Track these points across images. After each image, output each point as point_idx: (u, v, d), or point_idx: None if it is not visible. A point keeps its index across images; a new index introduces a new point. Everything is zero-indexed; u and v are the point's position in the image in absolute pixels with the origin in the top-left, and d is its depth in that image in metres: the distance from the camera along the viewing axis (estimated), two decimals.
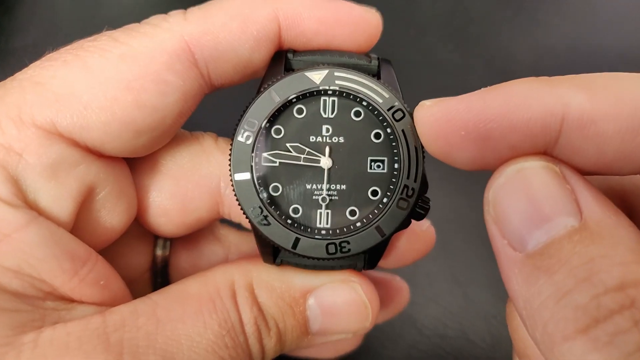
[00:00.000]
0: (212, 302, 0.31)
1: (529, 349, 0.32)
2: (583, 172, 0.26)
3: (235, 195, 0.32)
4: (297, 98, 0.32)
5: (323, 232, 0.32)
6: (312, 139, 0.33)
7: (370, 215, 0.32)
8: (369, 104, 0.32)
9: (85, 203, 0.33)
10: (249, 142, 0.32)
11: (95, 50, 0.32)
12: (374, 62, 0.34)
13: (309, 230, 0.32)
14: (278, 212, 0.32)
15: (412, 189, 0.32)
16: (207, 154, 0.36)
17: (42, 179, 0.31)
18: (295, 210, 0.33)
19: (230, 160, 0.32)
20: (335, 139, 0.33)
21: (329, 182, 0.32)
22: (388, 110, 0.32)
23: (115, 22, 0.34)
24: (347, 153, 0.33)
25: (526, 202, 0.25)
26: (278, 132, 0.33)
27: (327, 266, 0.34)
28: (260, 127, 0.32)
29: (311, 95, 0.32)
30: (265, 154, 0.32)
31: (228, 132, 0.34)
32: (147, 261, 0.40)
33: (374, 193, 0.33)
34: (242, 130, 0.32)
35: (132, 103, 0.31)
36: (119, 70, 0.31)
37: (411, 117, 0.31)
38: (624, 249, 0.23)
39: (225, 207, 0.37)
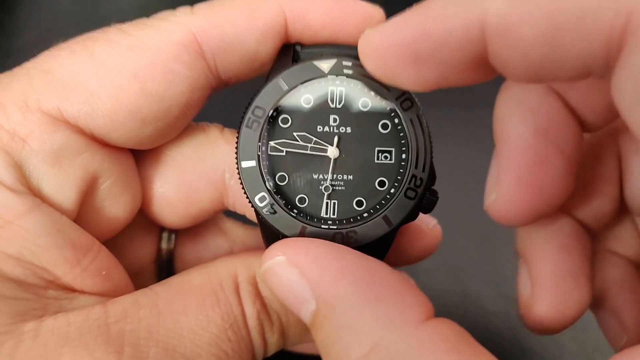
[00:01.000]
0: (215, 295, 0.31)
1: None
2: (520, 81, 0.26)
3: (241, 183, 0.32)
4: (305, 87, 0.32)
5: (329, 222, 0.32)
6: (320, 128, 0.33)
7: (378, 206, 0.32)
8: (377, 94, 0.32)
9: (89, 192, 0.33)
10: (256, 130, 0.32)
11: (103, 41, 0.32)
12: None
13: (315, 220, 0.32)
14: (284, 202, 0.32)
15: (420, 178, 0.32)
16: (212, 144, 0.36)
17: (46, 165, 0.31)
18: (302, 200, 0.33)
19: (237, 147, 0.32)
20: (342, 129, 0.33)
21: (334, 172, 0.32)
22: (396, 99, 0.32)
23: (116, 20, 0.35)
24: (355, 143, 0.33)
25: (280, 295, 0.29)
26: (285, 121, 0.33)
27: None
28: (268, 116, 0.32)
29: (319, 84, 0.32)
30: (272, 143, 0.32)
31: (233, 124, 0.34)
32: (152, 253, 0.39)
33: (381, 184, 0.33)
34: (249, 118, 0.32)
35: (139, 91, 0.31)
36: (126, 60, 0.31)
37: (419, 107, 0.32)
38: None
39: (230, 199, 0.36)
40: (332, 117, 0.33)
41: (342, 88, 0.33)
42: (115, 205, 0.34)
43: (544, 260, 0.33)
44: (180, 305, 0.30)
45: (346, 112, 0.33)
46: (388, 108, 0.32)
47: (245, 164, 0.32)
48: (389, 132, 0.33)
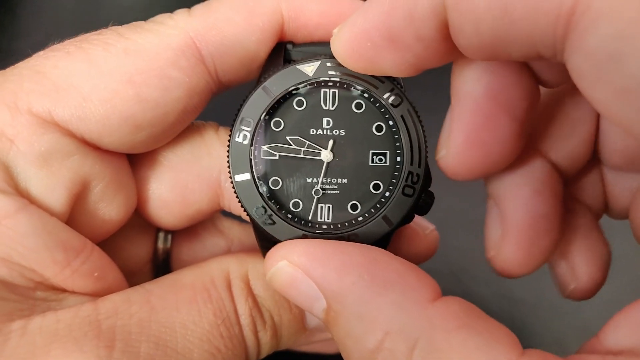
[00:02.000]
0: (207, 292, 0.31)
1: None
2: (476, 57, 0.27)
3: (237, 197, 0.32)
4: (296, 90, 0.32)
5: (324, 226, 0.32)
6: (313, 131, 0.32)
7: (373, 209, 0.32)
8: (370, 96, 0.32)
9: (81, 194, 0.33)
10: (246, 141, 0.32)
11: (99, 44, 0.32)
12: None
13: (309, 225, 0.32)
14: (278, 207, 0.32)
15: (417, 174, 0.32)
16: (207, 145, 0.36)
17: (34, 167, 0.30)
18: (296, 205, 0.32)
19: (228, 161, 0.32)
20: (336, 132, 0.32)
21: (326, 175, 0.32)
22: (386, 97, 0.32)
23: (117, 22, 0.35)
24: (349, 146, 0.32)
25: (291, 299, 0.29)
26: (278, 124, 0.32)
27: None
28: (257, 125, 0.32)
29: (311, 86, 0.32)
30: (264, 147, 0.32)
31: (229, 122, 0.33)
32: (149, 253, 0.39)
33: (376, 187, 0.32)
34: (238, 130, 0.32)
35: (133, 97, 0.31)
36: (122, 64, 0.31)
37: (409, 102, 0.31)
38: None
39: (225, 200, 0.36)
40: (325, 119, 0.32)
41: (335, 90, 0.32)
42: (109, 207, 0.34)
43: (517, 203, 0.33)
44: (173, 301, 0.30)
45: (339, 115, 0.32)
46: (382, 110, 0.32)
47: (239, 177, 0.32)
48: (383, 134, 0.32)
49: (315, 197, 0.32)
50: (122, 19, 0.35)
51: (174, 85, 0.32)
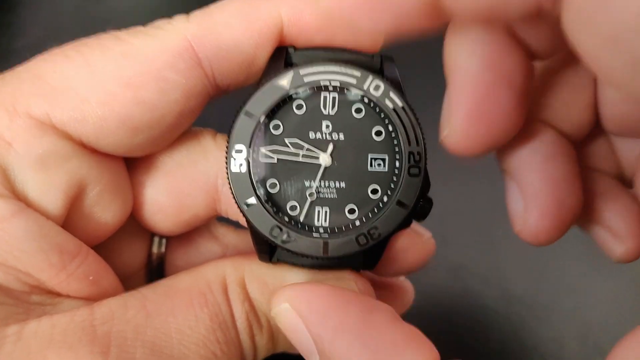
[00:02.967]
0: (203, 296, 0.31)
1: None
2: (469, 20, 0.26)
3: (248, 223, 0.32)
4: (296, 94, 0.32)
5: (321, 230, 0.32)
6: (312, 135, 0.32)
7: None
8: (370, 101, 0.32)
9: (78, 198, 0.33)
10: (244, 169, 0.32)
11: (97, 47, 0.32)
12: (376, 58, 0.33)
13: (306, 228, 0.32)
14: (275, 209, 0.32)
15: (418, 152, 0.31)
16: (204, 150, 0.36)
17: (31, 170, 0.30)
18: (293, 208, 0.32)
19: (232, 192, 0.32)
20: (335, 136, 0.32)
21: (324, 178, 0.32)
22: (365, 87, 0.31)
23: (118, 22, 0.35)
24: (347, 150, 0.32)
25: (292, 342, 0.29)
26: (277, 127, 0.32)
27: (324, 265, 0.33)
28: (249, 152, 0.32)
29: (311, 90, 0.32)
30: (263, 150, 0.32)
31: (226, 129, 0.33)
32: (143, 258, 0.39)
33: (374, 192, 0.32)
34: (233, 160, 0.32)
35: (131, 99, 0.31)
36: (120, 67, 0.31)
37: (408, 105, 0.31)
38: None
39: (222, 205, 0.36)
40: (324, 123, 0.32)
41: (335, 94, 0.32)
42: (104, 212, 0.34)
43: (533, 171, 0.33)
44: (168, 306, 0.30)
45: (339, 119, 0.32)
46: (382, 115, 0.32)
47: (249, 201, 0.32)
48: (382, 139, 0.32)
49: (309, 199, 0.32)
50: (121, 19, 0.35)
51: (171, 87, 0.32)
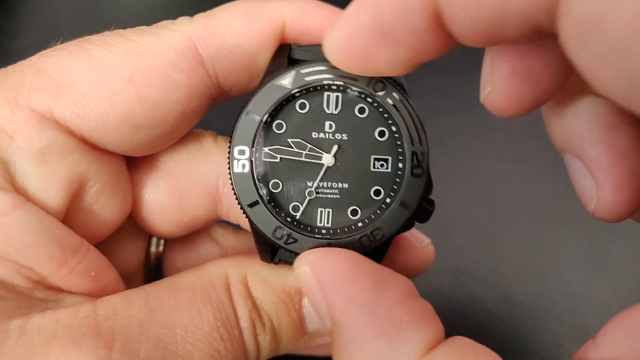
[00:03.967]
0: (207, 293, 0.31)
1: None
2: (473, 43, 0.26)
3: (251, 225, 0.32)
4: (300, 93, 0.32)
5: (323, 231, 0.32)
6: (315, 135, 0.32)
7: (373, 215, 0.32)
8: (373, 101, 0.32)
9: (78, 194, 0.33)
10: (247, 170, 0.32)
11: (100, 44, 0.32)
12: None
13: (309, 229, 0.32)
14: (277, 210, 0.32)
15: (422, 153, 0.31)
16: (205, 152, 0.36)
17: (32, 164, 0.30)
18: (295, 208, 0.32)
19: (235, 195, 0.32)
20: (338, 136, 0.32)
21: (326, 179, 0.32)
22: (368, 86, 0.31)
23: (117, 23, 0.35)
24: (350, 151, 0.32)
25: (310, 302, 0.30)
26: (280, 127, 0.32)
27: None
28: (252, 152, 0.32)
29: (314, 89, 0.32)
30: (265, 149, 0.32)
31: (227, 132, 0.33)
32: (141, 259, 0.39)
33: (377, 193, 0.32)
34: (236, 161, 0.32)
35: (133, 96, 0.31)
36: (123, 64, 0.31)
37: (411, 106, 0.31)
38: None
39: (223, 207, 0.36)
40: (327, 123, 0.32)
41: (338, 94, 0.32)
42: (104, 209, 0.34)
43: (596, 144, 0.31)
44: (172, 303, 0.30)
45: (342, 119, 0.32)
46: (385, 115, 0.32)
47: (249, 205, 0.32)
48: (386, 140, 0.32)
49: (308, 197, 0.32)
50: (122, 19, 0.35)
51: (174, 86, 0.32)
